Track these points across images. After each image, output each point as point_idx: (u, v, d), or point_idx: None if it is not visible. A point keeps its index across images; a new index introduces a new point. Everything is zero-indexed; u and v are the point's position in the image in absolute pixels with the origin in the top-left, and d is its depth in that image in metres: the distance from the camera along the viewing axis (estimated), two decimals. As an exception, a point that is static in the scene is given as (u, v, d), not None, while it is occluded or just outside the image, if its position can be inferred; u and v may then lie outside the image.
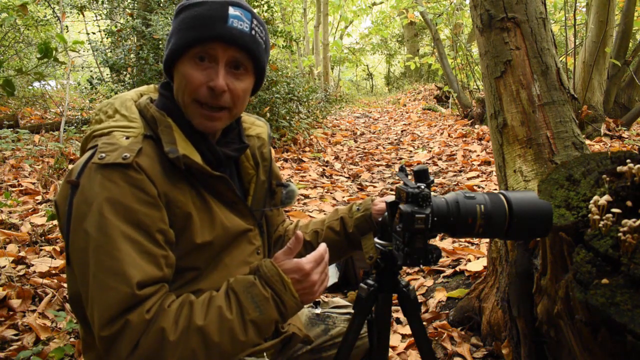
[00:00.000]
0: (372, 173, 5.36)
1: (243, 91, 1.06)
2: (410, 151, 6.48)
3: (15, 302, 2.16)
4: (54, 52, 2.12)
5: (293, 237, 1.01)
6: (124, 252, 0.89)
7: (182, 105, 1.05)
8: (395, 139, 7.46)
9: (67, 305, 2.18)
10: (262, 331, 0.96)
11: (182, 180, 1.01)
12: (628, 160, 1.15)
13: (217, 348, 0.91)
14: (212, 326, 0.90)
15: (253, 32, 1.04)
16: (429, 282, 2.55)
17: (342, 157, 6.22)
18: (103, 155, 0.94)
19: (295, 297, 0.97)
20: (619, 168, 1.15)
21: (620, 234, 0.99)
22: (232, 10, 1.01)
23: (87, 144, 1.05)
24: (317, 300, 1.50)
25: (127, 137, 0.99)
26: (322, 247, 1.04)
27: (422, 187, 0.95)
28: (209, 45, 1.00)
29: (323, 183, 4.79)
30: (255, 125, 1.28)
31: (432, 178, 1.00)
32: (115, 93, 5.55)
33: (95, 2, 7.30)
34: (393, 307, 1.35)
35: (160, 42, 5.18)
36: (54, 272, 2.45)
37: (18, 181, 3.99)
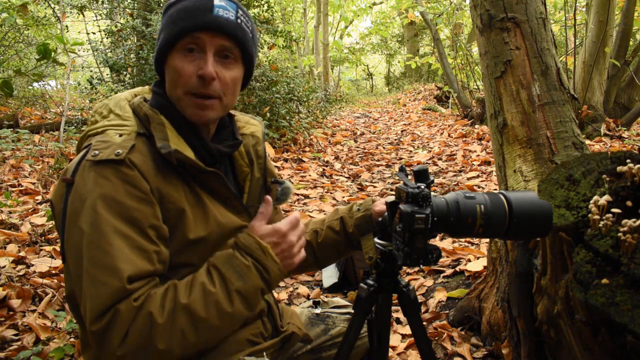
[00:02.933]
0: (372, 173, 5.36)
1: (232, 80, 1.07)
2: (410, 151, 6.48)
3: (15, 302, 2.16)
4: (52, 53, 2.12)
5: (263, 202, 1.03)
6: (115, 247, 0.89)
7: (175, 99, 1.06)
8: (395, 139, 7.46)
9: (67, 305, 2.18)
10: (249, 301, 0.96)
11: (175, 176, 1.02)
12: (628, 160, 1.15)
13: (205, 324, 0.91)
14: (197, 303, 0.91)
15: (239, 21, 1.06)
16: (429, 282, 2.55)
17: (342, 157, 6.22)
18: (96, 152, 0.95)
19: (276, 261, 0.99)
20: (619, 168, 1.15)
21: (620, 234, 0.99)
22: (217, 1, 1.03)
23: (82, 144, 1.07)
24: (317, 300, 1.50)
25: (121, 135, 1.00)
26: (295, 214, 1.07)
27: (422, 187, 0.95)
28: (196, 35, 1.02)
29: (323, 183, 4.79)
30: (250, 124, 1.28)
31: (432, 178, 1.00)
32: (115, 93, 5.54)
33: (95, 2, 7.30)
34: (393, 307, 1.35)
35: (160, 42, 5.17)
36: (54, 272, 2.45)
37: (18, 181, 3.99)
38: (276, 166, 5.26)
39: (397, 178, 4.97)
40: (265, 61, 6.47)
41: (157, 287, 0.94)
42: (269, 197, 1.05)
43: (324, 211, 3.81)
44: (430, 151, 6.22)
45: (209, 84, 1.03)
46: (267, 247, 0.99)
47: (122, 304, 0.87)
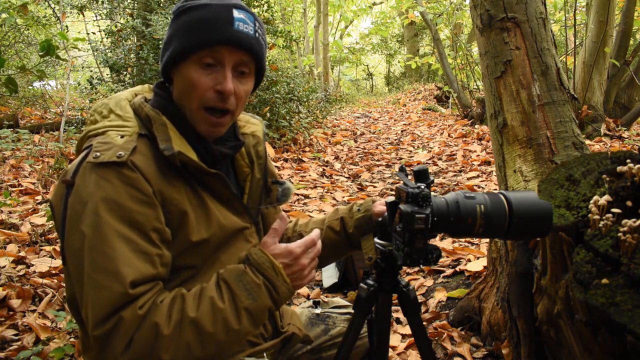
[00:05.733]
0: (372, 173, 5.36)
1: (245, 93, 1.08)
2: (410, 151, 6.48)
3: (15, 302, 2.16)
4: (55, 49, 2.12)
5: (278, 219, 1.02)
6: (118, 251, 0.89)
7: (188, 110, 1.05)
8: (395, 139, 7.46)
9: (68, 306, 2.18)
10: (256, 319, 0.96)
11: (178, 178, 1.01)
12: (628, 160, 1.15)
13: (212, 338, 0.91)
14: (205, 317, 0.91)
15: (257, 35, 1.05)
16: (429, 282, 2.55)
17: (342, 157, 6.22)
18: (98, 154, 0.94)
19: (286, 282, 0.98)
20: (619, 168, 1.15)
21: (620, 234, 0.99)
22: (236, 13, 1.01)
23: (82, 145, 1.06)
24: (317, 300, 1.50)
25: (122, 136, 0.99)
26: (315, 233, 1.06)
27: (422, 187, 0.95)
28: (216, 49, 1.00)
29: (323, 183, 4.79)
30: (250, 124, 1.28)
31: (432, 178, 1.00)
32: (115, 93, 5.52)
33: (95, 2, 7.30)
34: (393, 307, 1.35)
35: (160, 42, 5.17)
36: (54, 272, 2.45)
37: (18, 181, 3.99)
38: (276, 166, 5.25)
39: (397, 178, 4.97)
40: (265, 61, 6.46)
41: (162, 294, 0.93)
42: (284, 215, 1.03)
43: (324, 211, 3.81)
44: (430, 151, 6.22)
45: (227, 98, 1.02)
46: (280, 267, 0.97)
47: (126, 311, 0.87)
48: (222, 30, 0.99)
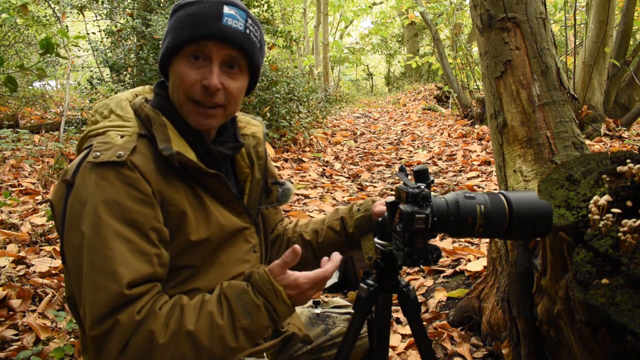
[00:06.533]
0: (372, 173, 5.36)
1: (237, 90, 1.07)
2: (410, 151, 6.48)
3: (15, 302, 2.16)
4: (55, 47, 2.12)
5: (290, 250, 0.99)
6: (116, 251, 0.89)
7: (177, 104, 1.06)
8: (395, 139, 7.46)
9: (68, 306, 2.18)
10: (254, 337, 0.96)
11: (177, 178, 1.02)
12: (628, 160, 1.15)
13: (208, 352, 0.91)
14: (202, 332, 0.91)
15: (247, 31, 1.04)
16: (429, 282, 2.55)
17: (342, 157, 6.22)
18: (98, 154, 0.95)
19: (287, 303, 0.98)
20: (619, 168, 1.15)
21: (620, 234, 0.99)
22: (227, 9, 1.02)
23: (82, 144, 1.06)
24: (317, 300, 1.50)
25: (122, 136, 1.00)
26: (329, 268, 1.03)
27: (422, 187, 0.95)
28: (202, 44, 1.01)
29: (323, 183, 4.79)
30: (251, 125, 1.28)
31: (432, 178, 1.00)
32: (115, 93, 5.52)
33: (95, 2, 7.30)
34: (393, 307, 1.35)
35: (160, 42, 5.17)
36: (54, 272, 2.45)
37: (18, 181, 3.99)
38: (276, 166, 5.25)
39: (397, 178, 4.97)
40: (265, 61, 6.46)
41: (160, 299, 0.93)
42: (297, 248, 0.98)
43: (324, 211, 3.81)
44: (430, 151, 6.22)
45: (213, 94, 1.02)
46: (281, 290, 0.97)
47: (123, 314, 0.87)
48: (210, 25, 1.00)
